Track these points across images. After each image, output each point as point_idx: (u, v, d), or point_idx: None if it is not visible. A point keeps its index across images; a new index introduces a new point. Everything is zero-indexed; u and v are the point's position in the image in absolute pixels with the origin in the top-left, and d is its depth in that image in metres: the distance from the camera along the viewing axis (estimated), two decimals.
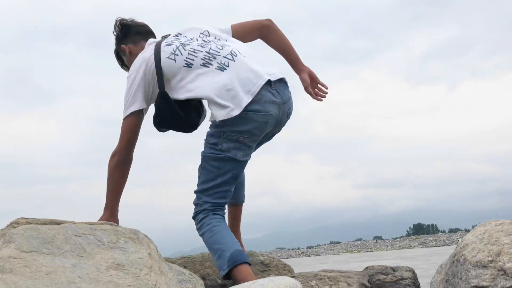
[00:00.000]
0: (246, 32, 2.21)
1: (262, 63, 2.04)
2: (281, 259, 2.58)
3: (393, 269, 2.39)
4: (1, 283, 1.41)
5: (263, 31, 2.22)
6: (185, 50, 2.01)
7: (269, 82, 1.95)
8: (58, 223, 1.69)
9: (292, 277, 2.21)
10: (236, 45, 2.08)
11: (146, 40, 2.20)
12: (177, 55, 2.00)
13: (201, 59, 1.98)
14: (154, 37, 2.33)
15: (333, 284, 2.17)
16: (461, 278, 1.71)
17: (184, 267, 2.33)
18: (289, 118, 2.19)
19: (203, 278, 2.30)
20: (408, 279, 2.32)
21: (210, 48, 2.01)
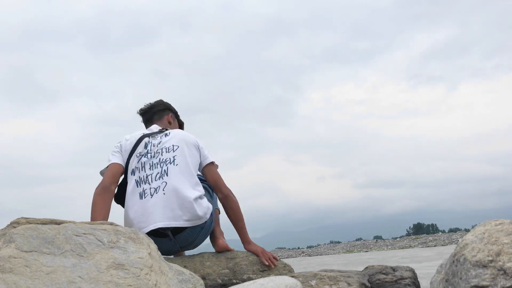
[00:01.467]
0: (211, 182, 2.58)
1: (177, 208, 2.37)
2: (281, 259, 2.58)
3: (393, 269, 2.39)
4: (1, 283, 1.41)
5: (219, 196, 2.57)
6: (142, 159, 2.49)
7: (165, 233, 2.36)
8: (58, 223, 1.69)
9: (292, 277, 2.21)
10: (174, 180, 2.42)
11: (149, 123, 2.76)
12: (136, 158, 2.50)
13: (140, 177, 2.45)
14: (153, 120, 2.80)
15: (333, 284, 2.18)
16: (461, 278, 1.71)
17: (184, 266, 2.33)
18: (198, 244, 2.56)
19: (203, 278, 2.30)
20: (408, 279, 2.32)
21: (151, 175, 2.44)
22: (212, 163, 2.58)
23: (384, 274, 2.36)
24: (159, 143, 2.53)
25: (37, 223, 1.66)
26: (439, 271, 1.96)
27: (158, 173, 2.43)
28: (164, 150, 2.50)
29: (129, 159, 2.51)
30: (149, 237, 1.78)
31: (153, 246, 1.75)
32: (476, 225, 1.88)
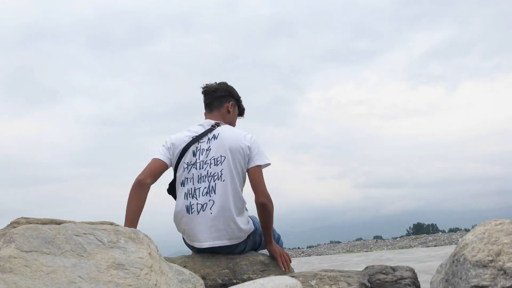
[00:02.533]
0: (252, 184, 2.55)
1: (223, 229, 2.46)
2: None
3: (393, 269, 2.39)
4: (1, 283, 1.41)
5: (255, 200, 2.55)
6: (192, 170, 2.53)
7: (203, 249, 2.49)
8: (58, 222, 1.69)
9: (292, 276, 2.21)
10: (221, 199, 2.47)
11: (208, 113, 2.78)
12: (186, 168, 2.54)
13: (188, 189, 2.51)
14: (213, 106, 2.78)
15: (333, 283, 2.18)
16: (461, 278, 1.71)
17: (184, 266, 2.33)
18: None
19: (203, 278, 2.30)
20: (408, 279, 2.32)
21: (200, 188, 2.50)
22: (259, 166, 2.57)
23: (384, 274, 2.36)
24: (208, 150, 2.55)
25: (37, 223, 1.66)
26: (439, 271, 1.96)
27: (206, 188, 2.49)
28: (212, 161, 2.53)
29: (177, 167, 2.56)
30: (149, 237, 1.78)
31: (153, 246, 1.75)
32: (476, 225, 1.88)
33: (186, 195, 2.51)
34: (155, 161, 2.56)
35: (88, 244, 1.59)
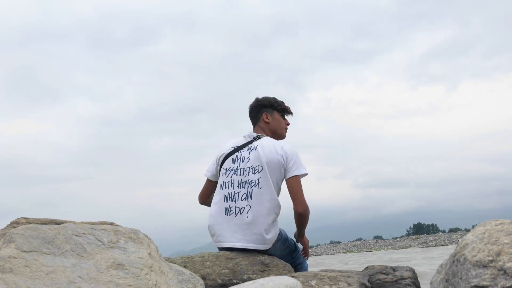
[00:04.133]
0: (290, 194, 2.70)
1: (257, 233, 2.59)
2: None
3: (393, 269, 2.39)
4: (1, 283, 1.41)
5: (294, 208, 2.70)
6: (232, 176, 2.71)
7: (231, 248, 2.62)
8: (58, 223, 1.69)
9: (292, 276, 2.21)
10: (256, 205, 2.62)
11: (253, 130, 2.95)
12: (225, 174, 2.74)
13: (228, 193, 2.68)
14: (254, 124, 2.98)
15: (333, 283, 2.18)
16: (461, 278, 1.71)
17: (184, 267, 2.33)
18: None
19: (203, 278, 2.30)
20: (408, 279, 2.32)
21: (239, 193, 2.67)
22: (296, 176, 2.69)
23: (384, 274, 2.36)
24: (248, 159, 2.74)
25: (37, 223, 1.66)
26: (439, 271, 1.96)
27: (244, 193, 2.67)
28: (251, 170, 2.70)
29: (219, 172, 2.79)
30: (149, 237, 1.78)
31: (153, 246, 1.75)
32: (476, 225, 1.88)
33: (225, 198, 2.68)
34: (205, 183, 2.89)
35: (88, 244, 1.59)
